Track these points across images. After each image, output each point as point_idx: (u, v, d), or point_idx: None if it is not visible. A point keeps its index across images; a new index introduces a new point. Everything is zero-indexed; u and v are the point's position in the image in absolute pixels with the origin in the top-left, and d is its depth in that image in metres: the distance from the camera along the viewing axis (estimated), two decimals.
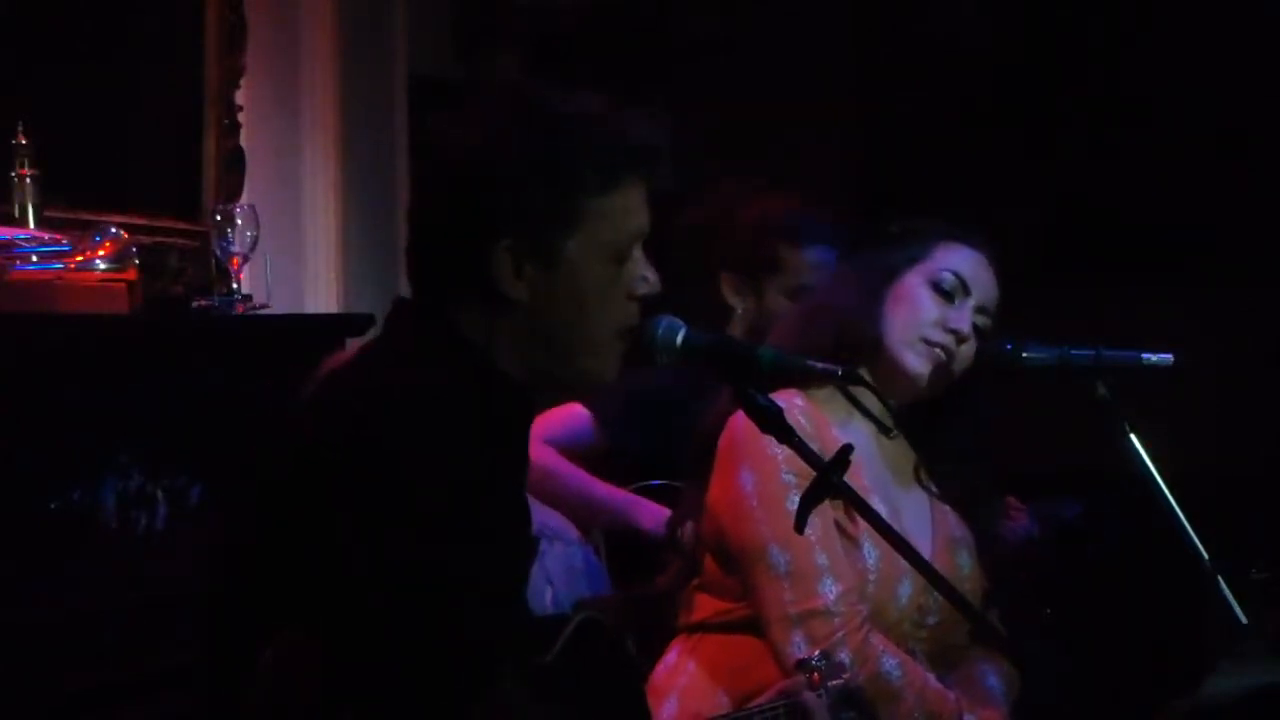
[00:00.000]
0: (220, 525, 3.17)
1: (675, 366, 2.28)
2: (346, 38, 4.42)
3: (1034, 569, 3.28)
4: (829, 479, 2.24)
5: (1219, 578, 2.70)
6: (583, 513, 3.36)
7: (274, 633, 1.90)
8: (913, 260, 2.83)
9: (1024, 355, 2.90)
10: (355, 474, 1.88)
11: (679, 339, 2.21)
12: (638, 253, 2.11)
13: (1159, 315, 4.02)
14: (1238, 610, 2.68)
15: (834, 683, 2.39)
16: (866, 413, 2.84)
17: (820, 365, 2.44)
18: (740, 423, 2.72)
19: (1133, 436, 2.82)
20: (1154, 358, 2.90)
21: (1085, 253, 5.14)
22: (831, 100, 5.33)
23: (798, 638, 2.63)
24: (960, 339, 2.79)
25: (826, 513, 2.66)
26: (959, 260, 2.83)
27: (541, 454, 3.39)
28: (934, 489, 2.88)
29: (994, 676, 2.83)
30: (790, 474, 2.67)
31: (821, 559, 2.65)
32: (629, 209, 2.08)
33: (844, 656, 2.54)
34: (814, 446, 2.64)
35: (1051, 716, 2.94)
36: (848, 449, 2.25)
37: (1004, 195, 5.13)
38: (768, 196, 3.58)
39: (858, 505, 2.26)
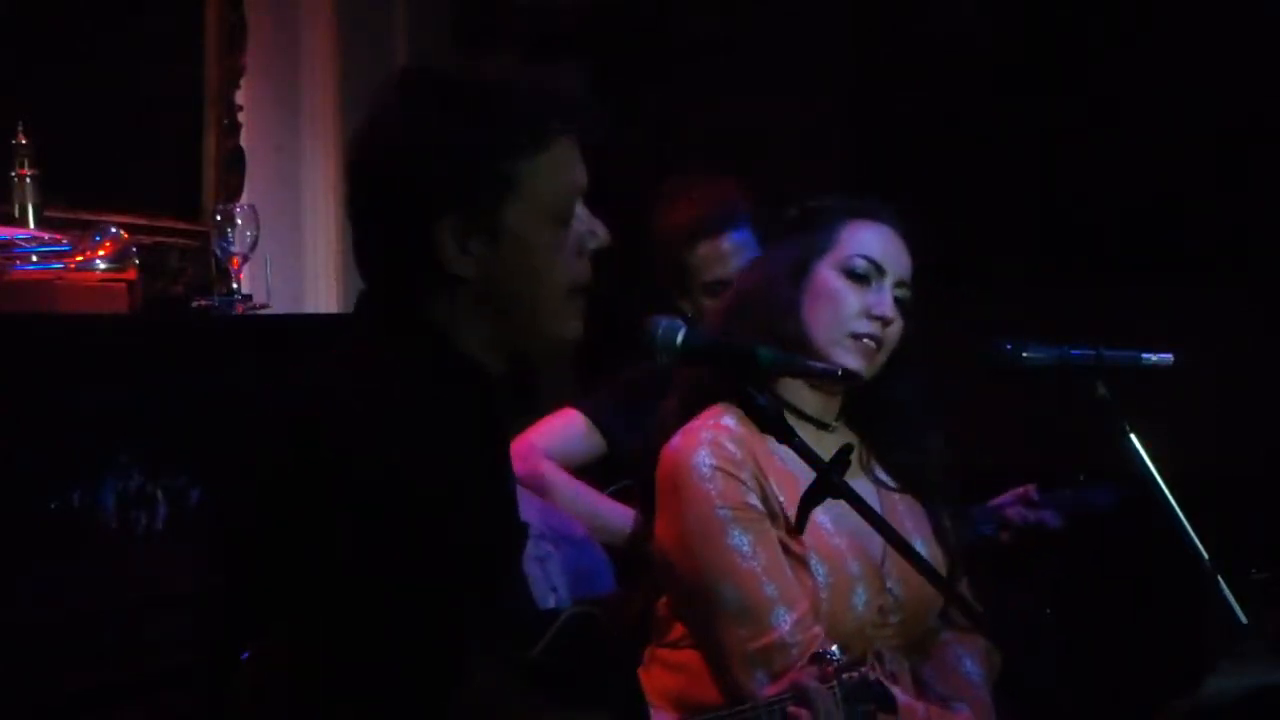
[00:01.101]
0: (216, 527, 3.18)
1: (675, 366, 2.29)
2: (346, 38, 4.43)
3: (1041, 562, 3.27)
4: (831, 479, 2.23)
5: (1219, 578, 2.70)
6: (588, 528, 3.33)
7: (261, 629, 1.91)
8: (820, 250, 2.77)
9: (1024, 355, 2.89)
10: (327, 475, 1.88)
11: (678, 339, 2.21)
12: (580, 209, 2.09)
13: (1159, 315, 4.02)
14: (1238, 610, 2.68)
15: (848, 675, 2.37)
16: (799, 411, 2.78)
17: (820, 365, 2.44)
18: (671, 458, 2.69)
19: (1133, 436, 2.81)
20: (1154, 358, 2.90)
21: (1085, 253, 5.14)
22: (831, 100, 5.33)
23: (760, 675, 2.59)
24: (886, 323, 2.74)
25: (769, 537, 2.63)
26: (867, 241, 2.77)
27: (542, 467, 3.38)
28: (885, 479, 2.84)
29: (970, 660, 2.81)
30: (725, 509, 2.63)
31: (770, 589, 2.60)
32: (561, 166, 2.07)
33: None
34: (749, 466, 2.63)
35: (1052, 716, 2.94)
36: (847, 449, 2.25)
37: (1004, 195, 5.12)
38: (673, 203, 3.60)
39: (855, 503, 2.25)
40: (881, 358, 2.76)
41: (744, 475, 2.65)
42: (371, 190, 2.08)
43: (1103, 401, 2.86)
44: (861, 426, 2.86)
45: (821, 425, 2.80)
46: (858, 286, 2.74)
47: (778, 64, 5.27)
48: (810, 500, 2.29)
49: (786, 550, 2.65)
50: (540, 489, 3.36)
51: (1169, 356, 2.89)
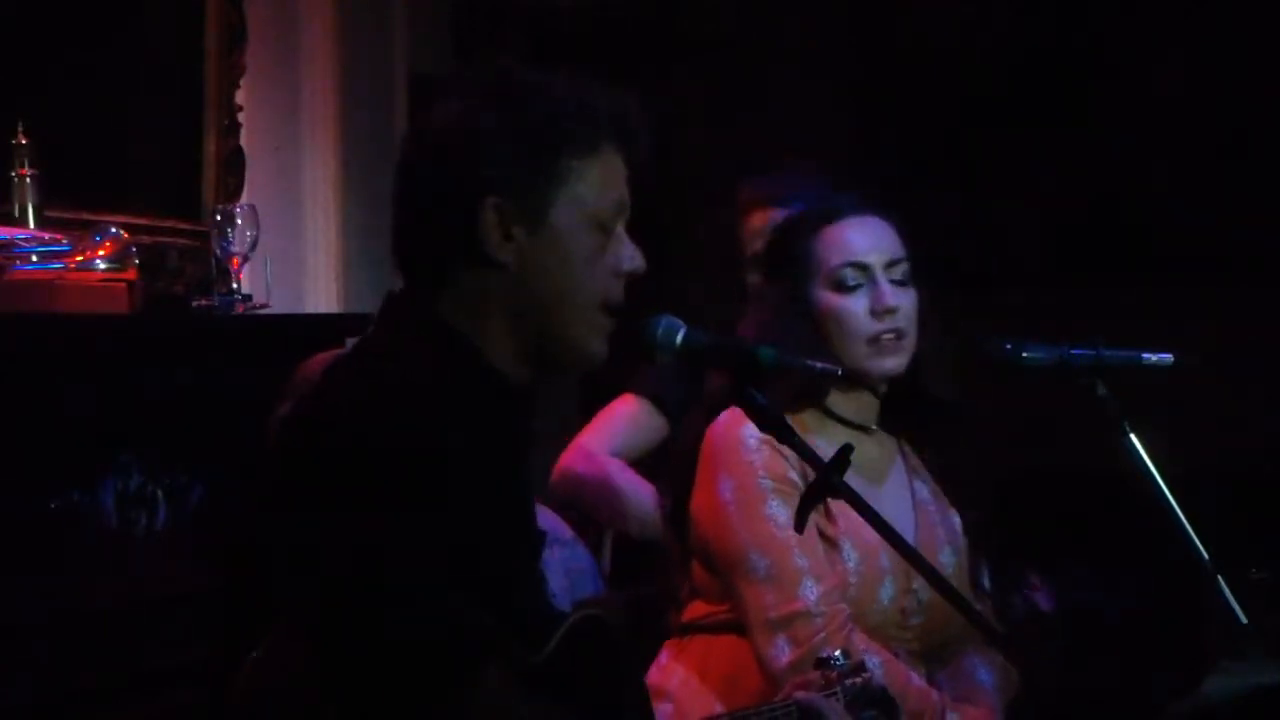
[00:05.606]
0: (221, 525, 3.19)
1: (676, 366, 2.28)
2: (346, 38, 4.42)
3: (1040, 642, 3.26)
4: (830, 479, 2.23)
5: (1219, 578, 2.70)
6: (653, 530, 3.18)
7: (268, 629, 1.91)
8: (806, 275, 2.76)
9: (1024, 355, 2.88)
10: (339, 471, 1.89)
11: (679, 339, 2.20)
12: (621, 230, 2.12)
13: (1159, 315, 4.02)
14: (1238, 610, 2.68)
15: (852, 681, 2.36)
16: (838, 416, 2.78)
17: (820, 365, 2.44)
18: (718, 431, 2.71)
19: (1133, 436, 2.81)
20: (1154, 358, 2.89)
21: (1087, 253, 5.14)
22: (832, 100, 5.33)
23: (780, 641, 2.61)
24: (893, 311, 2.73)
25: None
26: (841, 245, 2.76)
27: (609, 469, 3.31)
28: (924, 483, 2.85)
29: (985, 670, 2.81)
30: (767, 479, 2.66)
31: (801, 560, 2.63)
32: (608, 178, 2.10)
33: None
34: (791, 457, 2.63)
35: (1052, 716, 2.94)
36: (848, 448, 2.23)
37: (1005, 196, 5.13)
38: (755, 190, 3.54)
39: (857, 505, 2.25)
40: (909, 344, 2.75)
41: (788, 452, 2.64)
42: (424, 167, 2.10)
43: (1103, 401, 2.86)
44: (900, 429, 2.86)
45: (860, 429, 2.79)
46: (854, 294, 2.74)
47: (778, 64, 5.27)
48: (810, 500, 2.28)
49: (821, 534, 2.67)
50: (609, 494, 3.29)
51: (1169, 356, 2.89)
